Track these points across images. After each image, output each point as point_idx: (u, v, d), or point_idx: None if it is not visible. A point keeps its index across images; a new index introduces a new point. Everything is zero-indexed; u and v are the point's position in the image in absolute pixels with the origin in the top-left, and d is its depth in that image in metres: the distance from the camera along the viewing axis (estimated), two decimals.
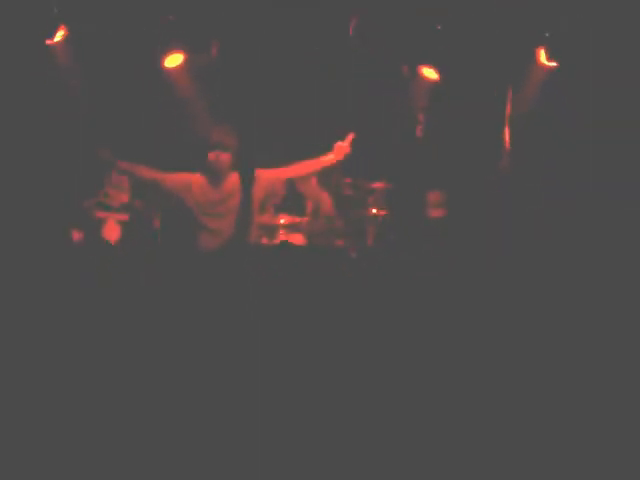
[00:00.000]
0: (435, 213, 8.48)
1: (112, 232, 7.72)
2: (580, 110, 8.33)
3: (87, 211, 7.82)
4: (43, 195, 7.90)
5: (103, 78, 8.51)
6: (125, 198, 8.04)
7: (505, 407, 3.78)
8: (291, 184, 8.52)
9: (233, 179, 7.52)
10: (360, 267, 4.70)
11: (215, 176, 7.52)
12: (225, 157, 7.51)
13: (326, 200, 8.58)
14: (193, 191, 7.47)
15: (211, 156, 7.48)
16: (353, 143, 8.02)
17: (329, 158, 7.68)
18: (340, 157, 7.70)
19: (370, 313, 4.24)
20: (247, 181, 7.28)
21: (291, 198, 8.46)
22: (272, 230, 8.03)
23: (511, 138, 8.68)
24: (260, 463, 3.60)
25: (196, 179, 7.54)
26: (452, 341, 4.07)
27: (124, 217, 7.90)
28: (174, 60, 8.65)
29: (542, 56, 8.63)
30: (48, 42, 8.18)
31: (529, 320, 4.34)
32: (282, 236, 7.94)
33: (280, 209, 8.27)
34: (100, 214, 7.82)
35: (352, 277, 4.48)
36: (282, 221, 8.08)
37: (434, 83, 8.98)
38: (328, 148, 8.34)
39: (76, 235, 7.57)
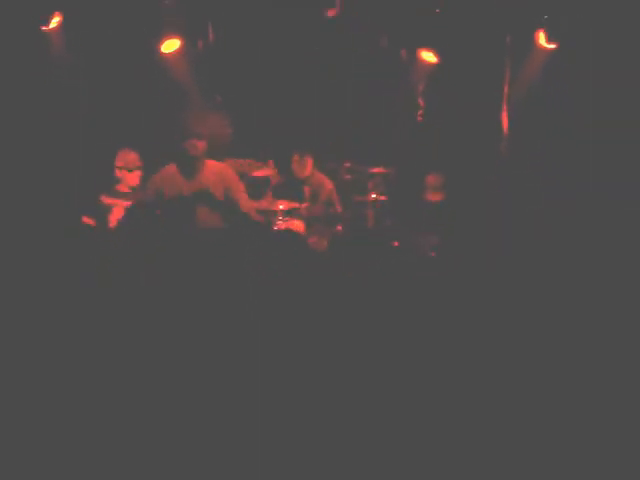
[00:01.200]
0: (433, 197, 8.43)
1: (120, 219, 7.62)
2: (580, 93, 8.28)
3: (95, 198, 7.71)
4: (48, 183, 7.86)
5: (99, 64, 8.46)
6: (136, 180, 7.87)
7: (505, 403, 3.76)
8: (289, 170, 8.50)
9: (207, 169, 7.59)
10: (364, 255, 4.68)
11: (189, 166, 7.60)
12: (201, 144, 7.53)
13: (327, 185, 8.53)
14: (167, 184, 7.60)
15: (187, 144, 7.49)
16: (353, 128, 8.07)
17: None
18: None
19: (369, 300, 4.21)
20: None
21: (289, 184, 8.42)
22: (271, 215, 8.00)
23: (510, 121, 8.65)
24: (260, 460, 3.57)
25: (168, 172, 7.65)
26: (450, 330, 4.05)
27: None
28: (171, 45, 8.61)
29: (541, 38, 8.58)
30: (43, 29, 8.13)
31: (525, 305, 4.32)
32: (281, 222, 7.91)
33: (279, 195, 8.23)
34: (108, 200, 7.70)
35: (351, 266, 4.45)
36: (281, 207, 8.04)
37: (433, 66, 8.93)
38: (327, 133, 8.35)
39: (87, 221, 7.49)
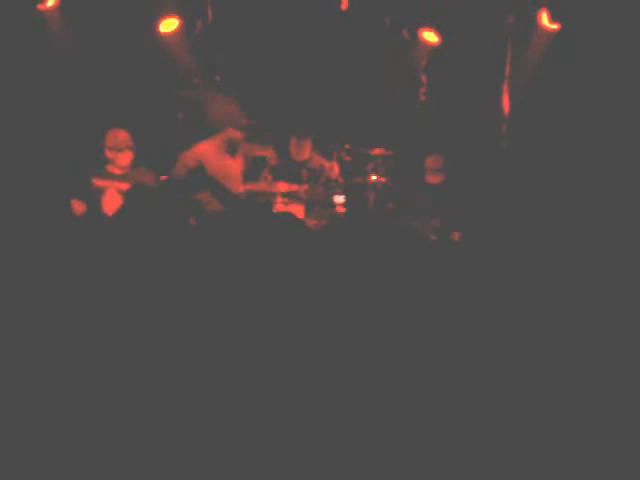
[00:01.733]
0: (433, 179, 8.36)
1: (113, 203, 7.43)
2: (583, 74, 8.22)
3: (86, 180, 7.56)
4: (39, 165, 7.79)
5: (95, 43, 8.38)
6: (126, 161, 7.67)
7: (504, 402, 3.72)
8: (287, 153, 8.44)
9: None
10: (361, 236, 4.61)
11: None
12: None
13: (326, 167, 8.46)
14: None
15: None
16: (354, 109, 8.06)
17: None
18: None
19: (369, 284, 4.16)
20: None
21: (288, 166, 8.35)
22: (269, 198, 7.94)
23: (511, 102, 8.58)
24: (260, 461, 3.54)
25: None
26: (450, 317, 4.00)
27: (125, 186, 7.63)
28: (169, 25, 8.53)
29: (544, 18, 8.50)
30: (40, 7, 8.05)
31: (526, 288, 4.26)
32: (280, 204, 7.85)
33: (278, 177, 8.16)
34: (100, 182, 7.55)
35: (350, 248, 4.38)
36: (280, 189, 7.98)
37: (435, 47, 8.87)
38: (327, 115, 8.30)
39: (77, 206, 7.35)
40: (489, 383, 3.76)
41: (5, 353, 3.87)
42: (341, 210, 8.12)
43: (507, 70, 8.56)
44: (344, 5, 8.40)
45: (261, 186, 8.04)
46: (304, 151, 8.35)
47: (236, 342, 3.83)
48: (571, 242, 5.52)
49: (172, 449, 3.58)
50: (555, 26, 8.50)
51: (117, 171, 7.60)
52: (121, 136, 7.61)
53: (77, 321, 3.97)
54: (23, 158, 7.84)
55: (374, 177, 8.46)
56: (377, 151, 8.57)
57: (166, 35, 8.58)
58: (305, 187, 8.15)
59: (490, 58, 8.67)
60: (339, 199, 7.99)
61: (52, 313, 4.03)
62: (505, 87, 8.55)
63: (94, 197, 7.41)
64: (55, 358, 3.85)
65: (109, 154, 7.59)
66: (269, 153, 8.46)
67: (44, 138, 8.10)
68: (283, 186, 7.99)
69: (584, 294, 4.40)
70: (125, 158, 7.59)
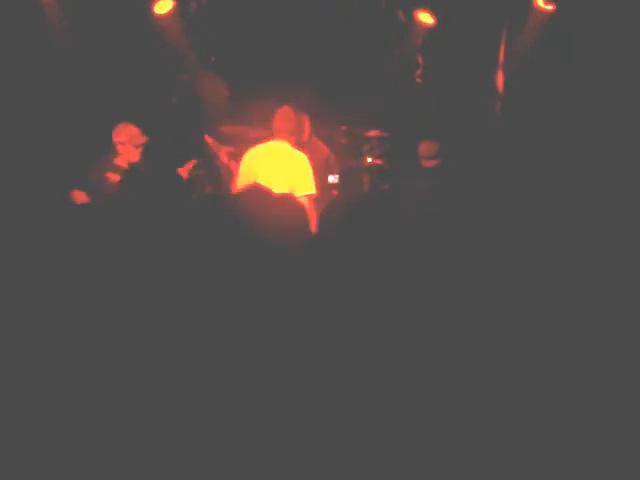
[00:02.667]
0: (428, 164, 8.31)
1: None
2: (578, 55, 8.22)
3: (95, 172, 7.45)
4: (46, 156, 7.75)
5: (91, 25, 8.36)
6: (137, 157, 7.51)
7: (505, 402, 3.74)
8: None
9: None
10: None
11: None
12: None
13: (323, 151, 8.42)
14: None
15: None
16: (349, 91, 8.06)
17: None
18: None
19: (365, 267, 4.16)
20: None
21: None
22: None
23: (506, 82, 8.59)
24: (260, 463, 3.55)
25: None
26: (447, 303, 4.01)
27: None
28: (164, 6, 8.52)
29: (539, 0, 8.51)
30: None
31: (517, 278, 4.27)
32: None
33: None
34: (109, 175, 7.43)
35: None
36: None
37: (430, 27, 8.86)
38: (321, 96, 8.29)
39: (78, 197, 7.24)
40: (489, 382, 3.78)
41: (5, 348, 3.88)
42: (334, 191, 8.12)
43: (502, 51, 8.56)
44: None
45: None
46: (304, 132, 8.29)
47: (235, 334, 3.84)
48: (562, 227, 5.53)
49: (172, 449, 3.59)
50: (550, 7, 8.49)
51: (125, 165, 7.48)
52: (134, 131, 7.49)
53: (79, 314, 3.98)
54: (24, 150, 7.80)
55: (369, 159, 8.46)
56: (373, 133, 8.57)
57: (161, 17, 8.56)
58: None
59: (485, 39, 8.67)
60: (332, 179, 7.98)
61: (55, 304, 4.04)
62: (500, 67, 8.56)
63: (104, 190, 7.29)
64: (56, 353, 3.86)
65: (121, 149, 7.48)
66: (265, 134, 8.46)
67: (44, 128, 8.07)
68: None
69: (579, 286, 4.41)
70: (136, 154, 7.48)
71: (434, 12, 8.75)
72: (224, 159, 8.09)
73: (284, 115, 7.27)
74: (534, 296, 4.17)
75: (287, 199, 4.80)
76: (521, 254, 4.53)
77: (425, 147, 8.13)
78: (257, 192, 4.75)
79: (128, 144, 7.43)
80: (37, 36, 8.12)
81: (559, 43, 8.39)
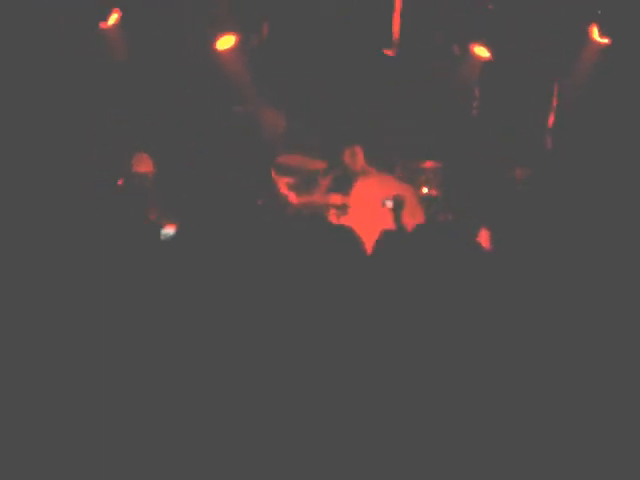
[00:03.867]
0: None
1: None
2: (632, 89, 8.22)
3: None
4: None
5: (156, 61, 8.59)
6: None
7: (506, 405, 3.78)
8: (342, 165, 8.53)
9: None
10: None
11: None
12: None
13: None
14: None
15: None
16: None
17: None
18: None
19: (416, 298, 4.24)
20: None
21: (341, 179, 8.47)
22: (322, 210, 8.06)
23: (560, 114, 8.60)
24: (260, 463, 3.61)
25: None
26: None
27: None
28: (226, 42, 8.70)
29: (595, 33, 8.52)
30: (102, 25, 8.28)
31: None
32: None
33: (331, 189, 8.29)
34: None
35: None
36: (333, 201, 8.09)
37: (485, 61, 8.92)
38: (380, 127, 8.40)
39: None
40: (491, 383, 3.82)
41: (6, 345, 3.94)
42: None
43: (556, 84, 8.60)
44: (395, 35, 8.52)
45: (315, 198, 8.17)
46: (358, 162, 8.42)
47: (267, 351, 3.91)
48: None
49: (171, 449, 3.64)
50: (606, 40, 8.50)
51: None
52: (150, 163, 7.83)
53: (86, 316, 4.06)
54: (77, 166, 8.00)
55: (425, 189, 8.54)
56: (428, 164, 8.66)
57: (223, 52, 8.75)
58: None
59: (541, 72, 8.72)
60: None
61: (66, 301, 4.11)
62: (554, 100, 8.60)
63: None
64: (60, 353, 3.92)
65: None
66: (321, 166, 8.61)
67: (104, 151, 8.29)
68: (336, 198, 8.10)
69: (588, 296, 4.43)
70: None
71: (490, 46, 8.79)
72: (283, 189, 8.24)
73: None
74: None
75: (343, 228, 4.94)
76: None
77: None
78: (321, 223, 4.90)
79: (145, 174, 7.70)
80: (103, 65, 8.36)
81: (614, 76, 8.40)
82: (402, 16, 8.65)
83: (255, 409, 3.70)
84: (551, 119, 8.61)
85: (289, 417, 3.69)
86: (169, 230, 6.66)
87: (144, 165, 7.85)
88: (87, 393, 3.74)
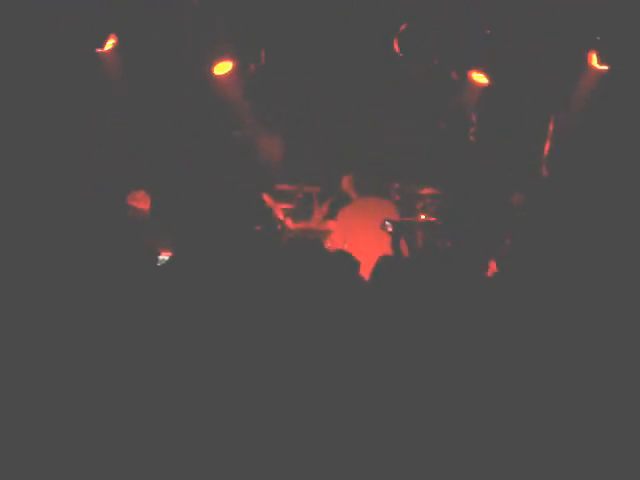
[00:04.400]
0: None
1: None
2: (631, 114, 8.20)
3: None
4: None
5: (152, 86, 8.58)
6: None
7: (507, 407, 3.74)
8: (339, 192, 8.51)
9: None
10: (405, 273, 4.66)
11: None
12: None
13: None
14: None
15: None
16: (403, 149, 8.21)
17: None
18: None
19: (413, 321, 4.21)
20: None
21: (339, 204, 8.44)
22: (320, 236, 8.03)
23: (559, 141, 8.59)
24: (260, 463, 3.58)
25: None
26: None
27: None
28: (223, 68, 8.70)
29: (593, 60, 8.50)
30: (98, 50, 8.26)
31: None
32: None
33: (328, 216, 8.26)
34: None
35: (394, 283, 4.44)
36: (330, 228, 8.07)
37: (484, 87, 8.91)
38: (378, 153, 8.39)
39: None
40: (493, 385, 3.79)
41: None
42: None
43: (553, 112, 8.60)
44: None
45: (311, 225, 8.14)
46: (355, 187, 8.39)
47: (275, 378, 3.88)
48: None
49: (172, 448, 3.60)
50: (605, 67, 8.49)
51: None
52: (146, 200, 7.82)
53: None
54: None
55: (423, 216, 8.51)
56: (426, 190, 8.64)
57: (220, 77, 8.74)
58: None
59: (539, 98, 8.71)
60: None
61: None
62: (550, 127, 8.59)
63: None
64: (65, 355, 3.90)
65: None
66: (316, 191, 8.59)
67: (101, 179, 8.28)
68: (333, 225, 8.07)
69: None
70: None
71: (488, 72, 8.78)
72: (280, 216, 8.21)
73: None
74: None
75: (341, 253, 4.91)
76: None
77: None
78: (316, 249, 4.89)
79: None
80: (100, 90, 8.34)
81: (612, 103, 8.39)
82: (401, 41, 8.62)
83: (243, 425, 3.68)
84: (547, 147, 8.58)
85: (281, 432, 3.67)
86: (165, 257, 6.64)
87: (141, 201, 7.79)
88: (79, 401, 3.74)
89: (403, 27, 8.42)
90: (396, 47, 8.49)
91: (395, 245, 8.01)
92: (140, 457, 3.62)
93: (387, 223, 7.59)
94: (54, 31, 7.88)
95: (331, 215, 8.32)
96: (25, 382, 3.85)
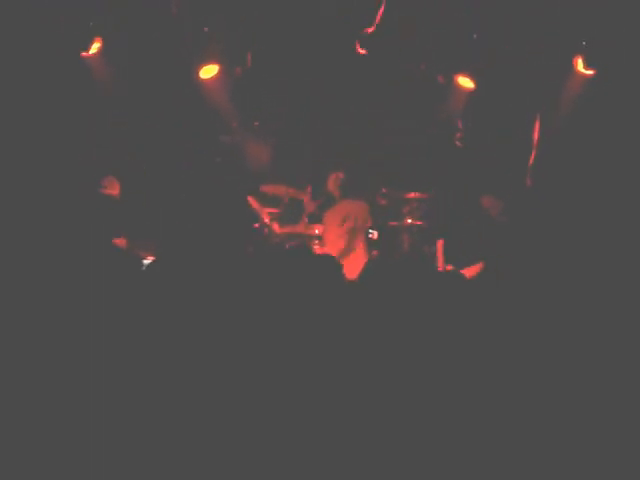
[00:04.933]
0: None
1: None
2: (617, 120, 8.21)
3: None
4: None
5: (138, 88, 8.55)
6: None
7: (507, 408, 3.73)
8: (326, 194, 8.50)
9: None
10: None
11: None
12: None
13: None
14: None
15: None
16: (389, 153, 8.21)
17: None
18: None
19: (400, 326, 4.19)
20: None
21: (324, 208, 8.42)
22: (306, 240, 8.02)
23: (544, 146, 8.59)
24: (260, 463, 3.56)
25: None
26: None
27: None
28: (209, 71, 8.67)
29: (579, 64, 8.51)
30: (83, 55, 8.23)
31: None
32: (317, 247, 7.92)
33: (314, 219, 8.24)
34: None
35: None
36: (317, 231, 8.05)
37: (470, 92, 8.90)
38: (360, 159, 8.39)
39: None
40: (492, 386, 3.79)
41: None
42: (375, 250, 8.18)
43: (538, 117, 8.60)
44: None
45: (298, 229, 8.13)
46: (342, 192, 8.37)
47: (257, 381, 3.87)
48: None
49: (172, 449, 3.59)
50: (590, 72, 8.49)
51: None
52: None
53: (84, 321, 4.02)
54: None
55: (409, 220, 8.50)
56: (413, 194, 8.63)
57: (206, 81, 8.71)
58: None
59: (525, 103, 8.72)
60: (373, 234, 8.05)
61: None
62: (536, 131, 8.59)
63: None
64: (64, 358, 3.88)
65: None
66: (305, 196, 8.56)
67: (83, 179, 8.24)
68: (319, 228, 8.06)
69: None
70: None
71: (474, 76, 8.77)
72: (266, 219, 8.19)
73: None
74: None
75: (326, 259, 4.89)
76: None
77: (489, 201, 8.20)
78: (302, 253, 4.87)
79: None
80: (85, 95, 8.31)
81: (599, 108, 8.40)
82: (386, 44, 8.62)
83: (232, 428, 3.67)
84: (532, 155, 8.60)
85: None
86: (149, 260, 6.61)
87: (111, 188, 7.78)
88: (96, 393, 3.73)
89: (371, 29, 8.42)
90: (360, 49, 8.49)
91: (382, 252, 8.03)
92: (137, 458, 3.60)
93: (371, 231, 7.62)
94: (40, 33, 7.86)
95: (318, 219, 8.30)
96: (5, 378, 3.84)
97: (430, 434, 3.66)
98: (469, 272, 7.16)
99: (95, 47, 8.26)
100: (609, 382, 3.82)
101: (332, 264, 4.67)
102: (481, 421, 3.70)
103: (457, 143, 9.14)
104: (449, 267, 7.28)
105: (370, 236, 7.91)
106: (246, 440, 3.65)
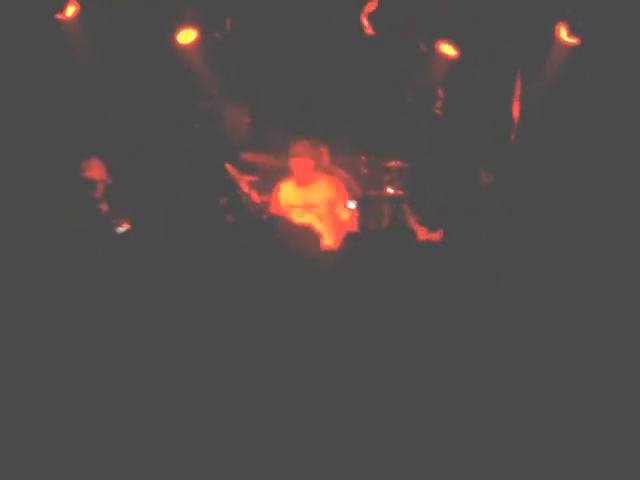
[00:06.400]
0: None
1: None
2: (599, 90, 8.18)
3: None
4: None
5: (114, 54, 8.43)
6: (99, 192, 7.65)
7: (507, 408, 3.71)
8: None
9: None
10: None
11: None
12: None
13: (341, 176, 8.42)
14: None
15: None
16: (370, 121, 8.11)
17: None
18: None
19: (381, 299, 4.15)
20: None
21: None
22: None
23: (525, 115, 8.55)
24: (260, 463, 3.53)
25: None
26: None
27: None
28: (187, 36, 8.55)
29: (562, 32, 8.44)
30: (58, 16, 8.09)
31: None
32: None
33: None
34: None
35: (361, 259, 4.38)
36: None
37: (452, 59, 8.82)
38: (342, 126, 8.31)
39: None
40: (491, 385, 3.77)
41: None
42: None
43: (518, 84, 8.55)
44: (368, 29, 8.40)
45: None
46: (322, 161, 8.28)
47: (242, 354, 3.84)
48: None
49: (170, 450, 3.58)
50: (574, 40, 8.43)
51: None
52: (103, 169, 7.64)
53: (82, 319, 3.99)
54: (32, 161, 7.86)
55: (390, 189, 8.45)
56: (393, 163, 8.57)
57: (184, 46, 8.59)
58: None
59: (507, 72, 8.66)
60: (351, 205, 7.98)
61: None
62: (516, 99, 8.54)
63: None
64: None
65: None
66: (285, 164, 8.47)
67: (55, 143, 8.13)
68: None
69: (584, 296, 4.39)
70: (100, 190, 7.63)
71: (456, 44, 8.70)
72: (245, 188, 8.10)
73: (301, 147, 7.69)
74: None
75: (305, 229, 4.84)
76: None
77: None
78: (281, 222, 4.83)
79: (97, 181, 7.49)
80: (60, 58, 8.18)
81: (582, 77, 8.35)
82: (369, 15, 8.51)
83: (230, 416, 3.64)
84: (515, 116, 8.54)
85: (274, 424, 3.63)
86: (124, 228, 6.54)
87: (96, 171, 7.64)
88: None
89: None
90: (365, 25, 8.39)
91: (361, 221, 7.97)
92: (135, 460, 3.57)
93: (350, 202, 7.57)
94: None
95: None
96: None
97: (414, 409, 3.64)
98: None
99: (71, 10, 8.13)
100: (609, 378, 3.80)
101: (311, 234, 4.64)
102: (470, 405, 3.68)
103: (437, 112, 9.07)
104: (431, 236, 7.24)
105: (349, 207, 7.83)
106: (238, 427, 3.63)
